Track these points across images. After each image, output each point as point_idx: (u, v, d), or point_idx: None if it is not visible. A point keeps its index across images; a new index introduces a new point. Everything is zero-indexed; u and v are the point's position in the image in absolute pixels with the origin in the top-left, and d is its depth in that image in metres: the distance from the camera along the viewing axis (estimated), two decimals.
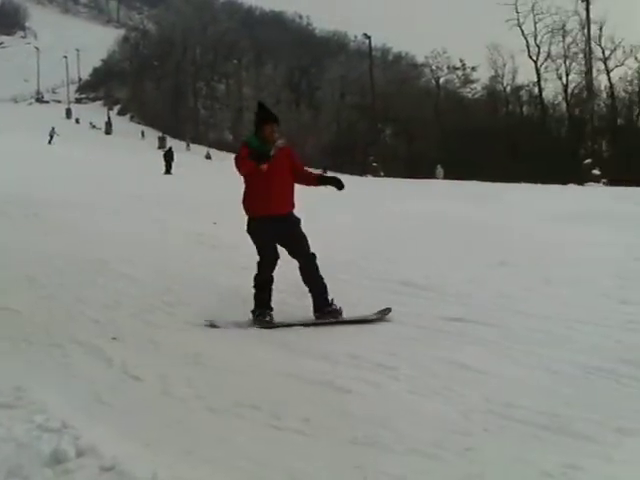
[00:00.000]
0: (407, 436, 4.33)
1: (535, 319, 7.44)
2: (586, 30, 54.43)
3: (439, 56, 75.85)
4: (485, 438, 4.36)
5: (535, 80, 68.00)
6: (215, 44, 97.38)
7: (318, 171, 22.24)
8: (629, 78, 64.70)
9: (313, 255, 7.56)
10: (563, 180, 41.21)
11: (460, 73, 77.27)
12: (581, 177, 42.44)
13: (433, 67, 77.17)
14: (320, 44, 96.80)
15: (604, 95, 65.26)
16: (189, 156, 63.20)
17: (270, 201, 7.35)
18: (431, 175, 48.57)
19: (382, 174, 53.86)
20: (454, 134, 62.36)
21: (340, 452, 4.18)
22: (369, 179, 48.21)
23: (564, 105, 67.28)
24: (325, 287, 7.55)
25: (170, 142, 66.88)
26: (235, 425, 4.59)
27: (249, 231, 7.56)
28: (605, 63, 64.36)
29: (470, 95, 77.28)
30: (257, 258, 7.57)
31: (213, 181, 30.40)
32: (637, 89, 64.26)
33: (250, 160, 7.21)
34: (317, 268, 7.55)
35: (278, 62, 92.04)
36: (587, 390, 5.34)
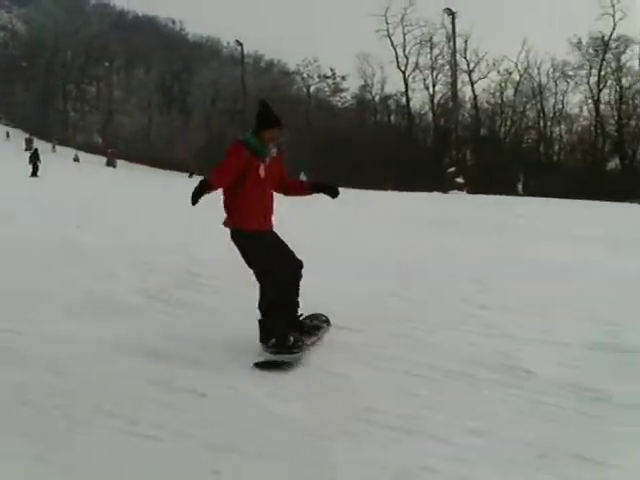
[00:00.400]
0: (266, 441, 4.36)
1: (398, 324, 7.59)
2: (452, 43, 55.91)
3: (310, 64, 76.43)
4: (343, 442, 4.42)
5: (403, 90, 69.42)
6: (86, 47, 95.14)
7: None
8: (492, 90, 66.99)
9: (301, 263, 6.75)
10: (429, 187, 42.29)
11: (330, 82, 78.00)
12: (445, 185, 43.54)
13: (304, 75, 77.74)
14: (193, 49, 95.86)
15: (468, 106, 67.24)
16: (56, 158, 61.55)
17: (264, 214, 6.47)
18: None
19: None
20: (324, 142, 62.95)
21: (197, 457, 4.15)
22: None
23: (430, 115, 68.94)
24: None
25: (37, 144, 65.00)
26: (91, 433, 4.50)
27: (244, 243, 6.45)
28: (469, 75, 66.41)
29: (340, 104, 78.15)
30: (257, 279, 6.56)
31: (80, 184, 29.74)
32: (499, 101, 66.50)
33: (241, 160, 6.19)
34: None
35: (150, 66, 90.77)
36: (445, 393, 5.49)
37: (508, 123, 66.64)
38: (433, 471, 4.01)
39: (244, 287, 9.17)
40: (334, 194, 7.04)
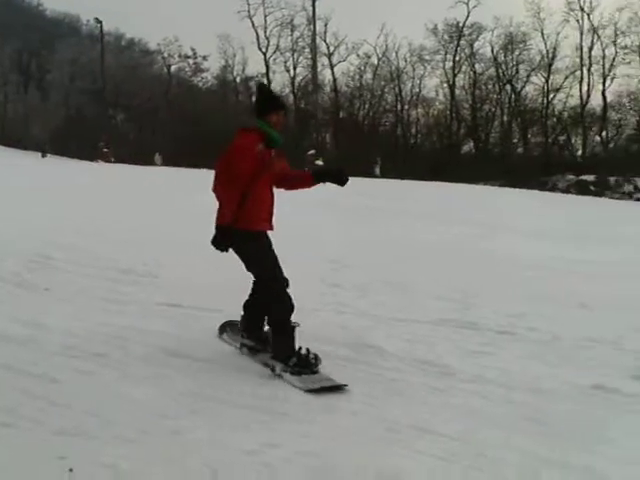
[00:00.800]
0: (115, 423, 4.31)
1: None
2: (312, 26, 56.12)
3: (171, 44, 75.09)
4: (192, 421, 4.42)
5: (264, 72, 69.30)
6: None
7: None
8: (351, 73, 67.68)
9: None
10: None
11: (191, 62, 76.98)
12: (306, 167, 43.85)
13: (165, 55, 76.39)
14: (51, 26, 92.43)
15: (328, 89, 67.81)
16: None
17: (270, 212, 5.82)
18: (152, 162, 49.39)
19: (113, 160, 52.91)
20: (184, 122, 62.20)
21: (45, 443, 4.05)
22: (100, 164, 47.22)
23: (291, 97, 69.09)
24: None
25: None
26: None
27: (248, 246, 5.64)
28: (329, 58, 66.84)
29: (201, 84, 77.34)
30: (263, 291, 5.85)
31: None
32: (358, 84, 67.31)
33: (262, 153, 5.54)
34: None
35: (5, 42, 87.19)
36: None
37: (367, 106, 67.56)
38: (277, 446, 4.07)
39: (98, 271, 9.11)
40: (342, 181, 6.00)
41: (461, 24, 63.08)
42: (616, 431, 4.62)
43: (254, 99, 6.12)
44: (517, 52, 62.51)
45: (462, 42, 63.73)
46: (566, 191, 47.23)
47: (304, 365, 5.44)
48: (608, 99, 59.66)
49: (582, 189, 48.37)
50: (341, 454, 4.04)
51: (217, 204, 5.58)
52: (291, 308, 5.58)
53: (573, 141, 63.36)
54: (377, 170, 49.55)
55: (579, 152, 62.10)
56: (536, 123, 63.31)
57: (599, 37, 59.28)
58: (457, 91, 64.78)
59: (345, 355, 6.04)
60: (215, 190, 5.58)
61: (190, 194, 20.41)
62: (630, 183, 50.42)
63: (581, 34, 59.61)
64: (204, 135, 56.03)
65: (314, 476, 3.80)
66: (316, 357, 5.54)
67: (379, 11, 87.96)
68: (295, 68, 68.22)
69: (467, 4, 61.97)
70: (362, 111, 67.59)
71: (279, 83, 69.85)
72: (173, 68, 76.24)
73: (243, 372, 5.53)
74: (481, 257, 12.19)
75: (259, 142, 5.54)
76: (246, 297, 6.13)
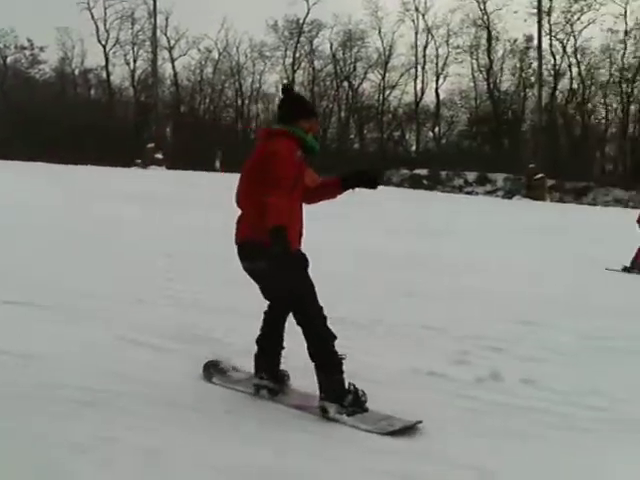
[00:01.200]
0: None
1: (90, 299, 7.67)
2: (153, 19, 55.54)
3: (7, 35, 72.36)
4: (25, 419, 4.31)
5: (104, 64, 67.84)
6: None
7: None
8: (192, 68, 67.21)
9: None
10: (128, 163, 42.04)
11: (28, 53, 74.38)
12: (145, 160, 43.34)
13: (0, 46, 73.57)
14: None
15: (169, 82, 67.13)
16: None
17: (300, 231, 5.19)
18: None
19: None
20: (20, 114, 60.21)
21: None
22: None
23: (132, 90, 67.96)
24: None
25: None
26: None
27: (286, 268, 4.67)
28: (170, 52, 66.08)
29: (39, 76, 74.91)
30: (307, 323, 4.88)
31: None
32: (199, 79, 66.92)
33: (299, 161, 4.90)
34: None
35: None
36: (131, 365, 5.62)
37: (207, 101, 67.29)
38: (115, 441, 4.03)
39: None
40: (373, 184, 5.21)
41: (301, 21, 63.70)
42: (444, 414, 4.86)
43: (279, 102, 5.48)
44: (355, 49, 63.62)
45: (302, 39, 64.30)
46: (400, 185, 48.57)
47: (357, 403, 4.79)
48: (441, 97, 61.72)
49: (415, 183, 50.02)
50: (180, 447, 4.05)
51: (237, 217, 5.09)
52: (333, 337, 4.84)
53: (407, 137, 65.27)
54: (217, 164, 49.50)
55: (413, 147, 64.12)
56: (372, 119, 64.68)
57: (433, 37, 61.15)
58: (297, 87, 65.25)
59: (178, 348, 6.12)
60: (242, 200, 5.05)
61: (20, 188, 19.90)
62: (460, 177, 52.46)
63: (416, 34, 61.25)
64: (41, 127, 54.51)
65: (150, 469, 3.79)
66: (363, 392, 4.84)
67: (220, 6, 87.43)
68: (135, 61, 66.94)
69: (307, 1, 62.67)
70: (203, 105, 67.23)
71: (119, 76, 68.82)
72: (9, 59, 73.53)
73: (81, 368, 5.44)
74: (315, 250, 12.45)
75: (297, 149, 4.92)
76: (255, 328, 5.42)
